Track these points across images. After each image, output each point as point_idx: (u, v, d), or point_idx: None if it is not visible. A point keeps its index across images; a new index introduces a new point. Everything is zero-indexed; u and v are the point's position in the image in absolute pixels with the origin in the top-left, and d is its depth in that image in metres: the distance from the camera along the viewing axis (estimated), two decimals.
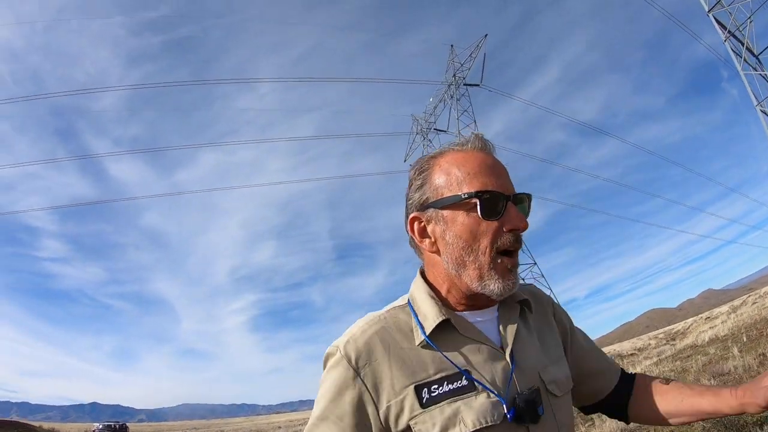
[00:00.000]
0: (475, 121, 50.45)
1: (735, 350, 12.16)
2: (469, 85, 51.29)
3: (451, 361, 1.21)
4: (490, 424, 1.14)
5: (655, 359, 18.82)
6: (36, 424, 48.71)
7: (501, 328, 1.32)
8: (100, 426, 44.43)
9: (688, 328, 35.51)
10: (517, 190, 1.30)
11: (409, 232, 1.37)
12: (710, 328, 23.98)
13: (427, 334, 1.24)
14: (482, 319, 1.32)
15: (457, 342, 1.25)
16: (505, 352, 1.26)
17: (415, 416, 1.15)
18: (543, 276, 46.23)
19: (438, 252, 1.31)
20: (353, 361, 1.21)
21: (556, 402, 1.28)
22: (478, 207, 1.22)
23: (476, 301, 1.30)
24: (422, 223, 1.33)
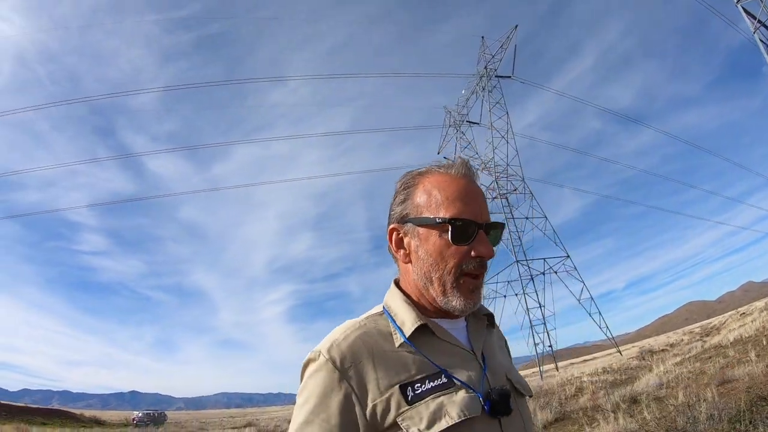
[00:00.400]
0: (507, 113, 50.57)
1: (753, 354, 11.98)
2: (501, 77, 51.14)
3: (431, 361, 1.30)
4: (472, 415, 1.23)
5: (679, 358, 18.60)
6: (77, 412, 50.21)
7: (470, 335, 1.44)
8: (140, 414, 46.00)
9: (724, 323, 34.91)
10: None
11: (388, 241, 1.48)
12: (740, 326, 23.52)
13: (407, 336, 1.33)
14: (453, 327, 1.42)
15: (434, 345, 1.35)
16: (476, 355, 1.38)
17: (402, 412, 1.22)
18: (575, 269, 45.93)
19: (411, 263, 1.43)
20: (338, 364, 1.27)
21: (521, 401, 1.44)
22: (450, 232, 1.33)
23: (446, 311, 1.40)
24: (400, 235, 1.45)
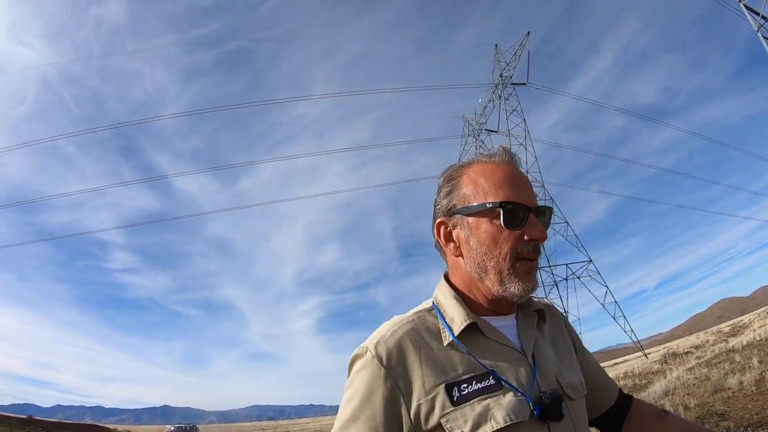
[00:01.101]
0: (524, 120, 50.72)
1: (755, 360, 11.95)
2: (516, 84, 51.29)
3: (479, 361, 1.26)
4: (519, 420, 1.18)
5: (692, 362, 18.56)
6: (111, 426, 51.32)
7: (520, 333, 1.38)
8: (172, 428, 47.11)
9: (752, 322, 34.32)
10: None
11: (435, 236, 1.45)
12: (760, 326, 23.15)
13: (456, 335, 1.29)
14: (503, 324, 1.37)
15: (483, 344, 1.30)
16: (526, 355, 1.32)
17: (447, 414, 1.19)
18: (599, 273, 45.82)
19: (462, 256, 1.39)
20: (384, 361, 1.24)
21: (572, 405, 1.34)
22: (501, 216, 1.30)
23: (497, 305, 1.36)
24: (448, 228, 1.41)
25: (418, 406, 1.20)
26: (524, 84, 51.28)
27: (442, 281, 1.46)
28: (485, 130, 54.72)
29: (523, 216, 1.30)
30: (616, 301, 45.68)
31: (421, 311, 1.40)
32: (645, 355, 41.18)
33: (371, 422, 1.20)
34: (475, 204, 1.35)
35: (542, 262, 45.47)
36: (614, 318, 45.31)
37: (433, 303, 1.42)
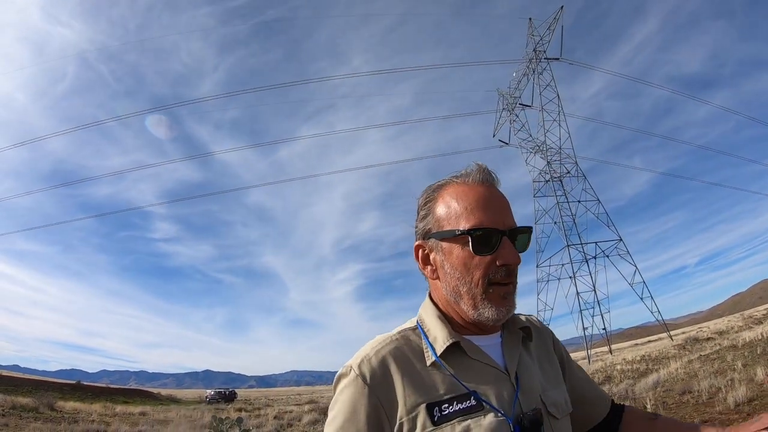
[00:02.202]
0: (558, 95, 50.34)
1: (740, 363, 11.92)
2: (550, 59, 50.85)
3: (461, 382, 1.25)
4: None
5: (694, 356, 18.32)
6: (155, 390, 53.86)
7: (505, 352, 1.36)
8: (212, 392, 49.45)
9: None
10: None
11: (414, 258, 1.43)
12: None
13: (438, 355, 1.28)
14: (487, 344, 1.35)
15: (466, 364, 1.29)
16: (509, 375, 1.30)
17: None
18: (628, 252, 45.66)
19: (439, 279, 1.37)
20: (368, 379, 1.24)
21: (556, 424, 1.32)
22: (470, 243, 1.27)
23: (480, 325, 1.34)
24: (425, 251, 1.40)
25: (401, 425, 1.20)
26: (557, 59, 50.79)
27: (427, 300, 1.45)
28: (520, 104, 54.72)
29: (495, 240, 1.28)
30: (644, 281, 45.58)
31: (405, 330, 1.40)
32: (671, 337, 41.10)
33: None
34: (447, 230, 1.33)
35: (573, 239, 45.75)
36: (641, 298, 45.28)
37: (417, 322, 1.41)
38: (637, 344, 56.96)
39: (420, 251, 1.42)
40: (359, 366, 1.27)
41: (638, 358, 26.89)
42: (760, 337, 17.11)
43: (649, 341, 52.98)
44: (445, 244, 1.34)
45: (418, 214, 1.44)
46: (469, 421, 1.19)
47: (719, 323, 42.42)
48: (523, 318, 1.51)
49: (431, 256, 1.39)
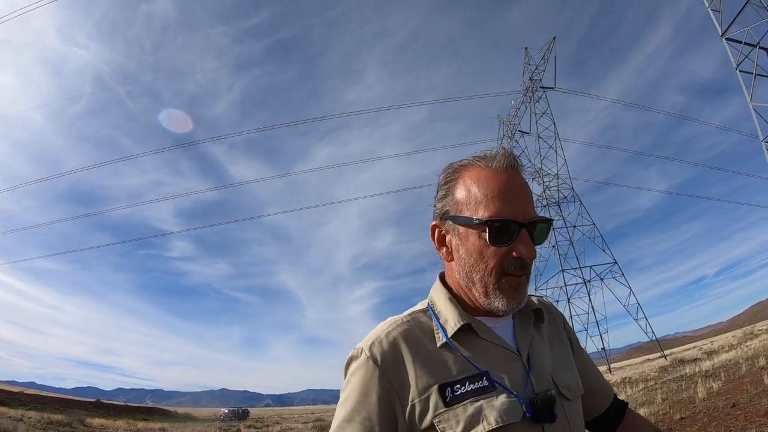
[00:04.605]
0: (554, 123, 52.32)
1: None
2: (545, 88, 53.24)
3: (472, 363, 1.24)
4: (511, 421, 1.17)
5: (670, 376, 18.28)
6: (171, 409, 56.11)
7: (516, 333, 1.35)
8: (226, 411, 52.01)
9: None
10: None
11: (431, 238, 1.42)
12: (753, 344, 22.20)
13: (449, 336, 1.28)
14: (499, 325, 1.35)
15: (477, 345, 1.29)
16: (521, 356, 1.30)
17: (440, 414, 1.18)
18: (623, 274, 47.18)
19: (453, 261, 1.36)
20: (379, 361, 1.24)
21: (568, 405, 1.32)
22: (487, 234, 1.25)
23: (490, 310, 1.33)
24: (442, 232, 1.38)
25: (412, 406, 1.20)
26: (552, 88, 53.03)
27: (437, 282, 1.44)
28: (519, 131, 56.96)
29: (513, 232, 1.25)
30: (638, 302, 46.95)
31: (415, 312, 1.39)
32: (664, 357, 42.26)
33: (367, 423, 1.20)
34: (466, 215, 1.30)
35: (572, 262, 47.74)
36: (635, 320, 46.61)
37: (428, 304, 1.41)
38: (630, 364, 58.14)
39: (436, 231, 1.40)
40: (370, 348, 1.28)
41: (625, 379, 27.61)
42: (731, 358, 17.84)
43: (648, 360, 53.94)
44: (462, 229, 1.32)
45: (438, 192, 1.41)
46: (481, 401, 1.19)
47: (723, 339, 42.84)
48: (535, 300, 1.49)
49: (447, 238, 1.37)
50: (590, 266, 47.84)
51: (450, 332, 1.29)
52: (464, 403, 1.19)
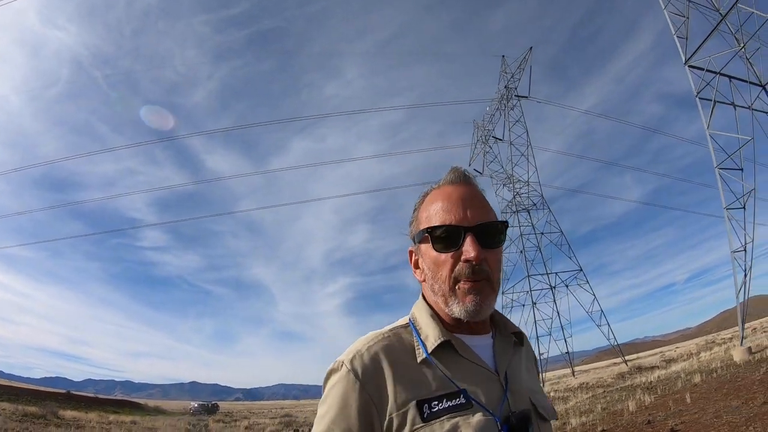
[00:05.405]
0: (527, 131, 53.30)
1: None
2: (520, 96, 54.15)
3: (451, 380, 1.27)
4: None
5: (624, 383, 18.49)
6: (142, 402, 56.18)
7: (496, 353, 1.39)
8: (196, 404, 52.44)
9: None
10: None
11: (409, 263, 1.50)
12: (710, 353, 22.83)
13: (429, 352, 1.31)
14: (478, 344, 1.38)
15: (456, 362, 1.32)
16: (499, 375, 1.33)
17: (417, 429, 1.20)
18: (587, 281, 48.59)
19: (425, 281, 1.43)
20: (360, 375, 1.26)
21: (544, 426, 1.38)
22: (431, 241, 1.34)
23: (471, 325, 1.38)
24: (415, 257, 1.46)
25: (390, 420, 1.22)
26: (526, 97, 53.87)
27: (420, 299, 1.48)
28: (492, 137, 57.57)
29: (457, 237, 1.31)
30: (601, 309, 48.00)
31: (397, 327, 1.42)
32: (625, 362, 43.85)
33: None
34: (417, 232, 1.41)
35: (539, 268, 48.88)
36: (598, 326, 47.76)
37: (410, 320, 1.44)
38: (596, 368, 59.47)
39: (412, 256, 1.48)
40: (351, 361, 1.29)
41: (583, 384, 28.22)
42: (680, 369, 18.22)
43: (614, 364, 55.08)
44: (423, 246, 1.39)
45: (410, 221, 1.51)
46: (458, 418, 1.22)
47: (686, 346, 43.89)
48: (515, 324, 1.53)
49: (419, 261, 1.44)
50: (556, 272, 48.91)
51: (430, 348, 1.32)
52: (441, 419, 1.22)
